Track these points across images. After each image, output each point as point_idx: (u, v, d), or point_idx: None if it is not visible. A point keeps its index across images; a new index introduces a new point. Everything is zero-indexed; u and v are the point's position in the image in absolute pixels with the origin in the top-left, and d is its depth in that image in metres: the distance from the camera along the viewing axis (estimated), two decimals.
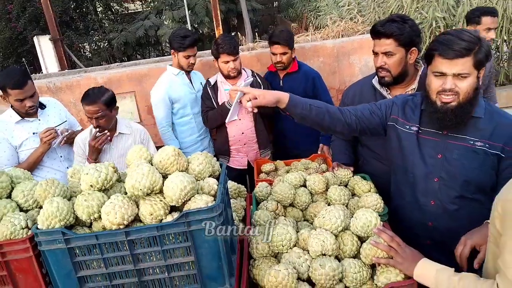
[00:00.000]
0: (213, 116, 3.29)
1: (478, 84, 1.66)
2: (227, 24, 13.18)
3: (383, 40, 2.12)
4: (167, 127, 3.43)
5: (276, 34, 3.27)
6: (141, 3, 15.64)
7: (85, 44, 14.29)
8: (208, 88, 3.32)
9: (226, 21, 13.03)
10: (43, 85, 4.03)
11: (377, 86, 2.30)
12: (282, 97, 1.82)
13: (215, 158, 1.75)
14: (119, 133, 2.83)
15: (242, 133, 3.35)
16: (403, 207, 1.98)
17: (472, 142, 1.72)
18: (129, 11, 15.55)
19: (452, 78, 1.63)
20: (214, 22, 6.94)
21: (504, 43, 4.30)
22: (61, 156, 2.93)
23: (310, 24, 7.45)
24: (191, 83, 3.50)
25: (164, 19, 11.50)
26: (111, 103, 2.70)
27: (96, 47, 14.22)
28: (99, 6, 14.65)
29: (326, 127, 1.94)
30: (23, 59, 10.73)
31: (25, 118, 2.79)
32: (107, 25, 14.30)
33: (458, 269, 1.48)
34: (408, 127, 1.88)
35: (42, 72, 6.62)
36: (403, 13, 4.04)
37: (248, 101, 1.79)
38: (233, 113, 3.16)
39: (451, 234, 1.75)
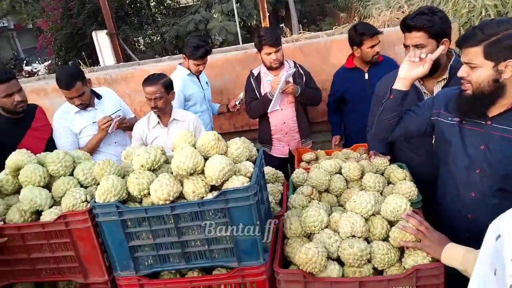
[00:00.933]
0: (256, 106, 3.42)
1: (499, 77, 1.60)
2: (275, 16, 13.24)
3: (413, 33, 2.13)
4: None
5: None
6: None
7: (139, 38, 14.92)
8: (252, 79, 3.45)
9: (274, 12, 13.09)
10: (100, 76, 4.35)
11: None
12: None
13: (252, 143, 1.87)
14: (173, 119, 3.03)
15: (284, 122, 3.45)
16: (445, 198, 1.99)
17: None
18: (180, 5, 16.00)
19: (465, 66, 1.66)
20: (261, 14, 7.06)
21: None
22: (115, 142, 3.18)
23: (357, 14, 7.35)
24: (199, 82, 3.64)
25: (214, 13, 11.77)
26: (168, 86, 2.93)
27: (149, 41, 14.79)
28: (152, 1, 15.21)
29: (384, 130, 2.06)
30: (83, 52, 11.41)
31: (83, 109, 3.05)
32: (159, 19, 14.82)
33: None
34: (450, 118, 1.87)
35: (99, 65, 7.06)
36: (451, 1, 3.94)
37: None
38: (275, 103, 3.29)
39: None
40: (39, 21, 14.99)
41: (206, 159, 1.67)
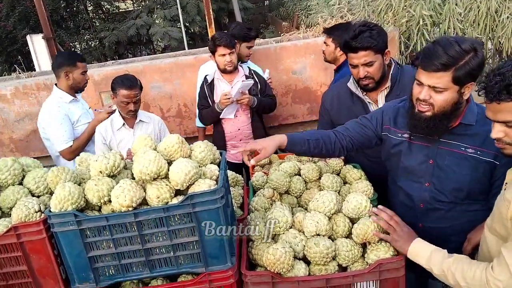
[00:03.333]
0: (207, 114, 3.39)
1: (461, 99, 1.64)
2: (218, 23, 13.24)
3: (360, 52, 2.17)
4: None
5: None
6: (132, 2, 15.64)
7: (75, 43, 14.26)
8: (205, 86, 3.40)
9: (217, 19, 13.09)
10: (40, 82, 4.10)
11: (353, 89, 2.37)
12: (282, 141, 1.88)
13: (215, 147, 1.85)
14: (139, 120, 2.96)
15: (239, 129, 3.45)
16: (395, 206, 2.01)
17: (463, 149, 1.73)
18: (120, 10, 15.52)
19: (427, 89, 1.64)
20: (207, 21, 7.02)
21: (489, 41, 4.45)
22: None
23: (302, 22, 7.56)
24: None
25: (156, 18, 11.53)
26: (142, 87, 2.89)
27: (87, 46, 14.18)
28: (90, 5, 14.61)
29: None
30: (18, 57, 10.70)
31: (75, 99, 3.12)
32: (98, 24, 14.26)
33: None
34: (400, 135, 1.90)
35: (35, 71, 6.65)
36: (391, 11, 4.17)
37: (250, 158, 1.84)
38: (227, 112, 3.26)
39: (441, 236, 1.82)
40: None
41: (169, 163, 1.63)
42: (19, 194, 1.62)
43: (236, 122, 3.42)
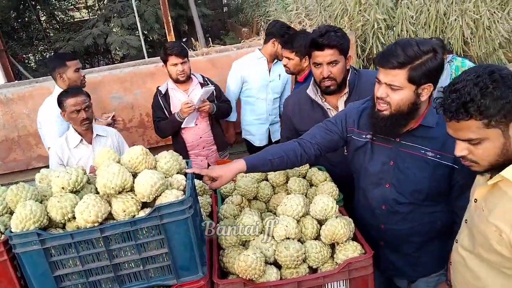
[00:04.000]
0: (165, 126, 3.32)
1: (417, 99, 1.65)
2: (177, 30, 13.15)
3: (326, 50, 2.17)
4: (233, 101, 3.69)
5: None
6: (87, 11, 15.27)
7: (29, 55, 13.77)
8: (159, 97, 3.33)
9: (176, 27, 12.99)
10: None
11: (312, 95, 2.38)
12: (240, 168, 1.80)
13: (181, 156, 1.84)
14: (96, 135, 2.86)
15: (200, 137, 3.44)
16: (358, 208, 2.07)
17: (423, 152, 1.74)
18: (75, 20, 15.11)
19: (385, 87, 1.65)
20: (166, 28, 6.98)
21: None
22: None
23: (261, 28, 7.64)
24: (269, 71, 3.61)
25: (113, 27, 11.32)
26: (89, 96, 2.80)
27: (41, 58, 13.72)
28: (42, 15, 14.15)
29: (292, 167, 2.02)
30: None
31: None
32: (52, 34, 13.82)
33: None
34: (363, 136, 1.91)
35: None
36: (347, 15, 4.31)
37: (208, 182, 1.81)
38: (188, 121, 3.25)
39: (403, 236, 1.89)
40: None
41: (134, 175, 1.60)
42: None
43: (197, 131, 3.41)
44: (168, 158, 1.70)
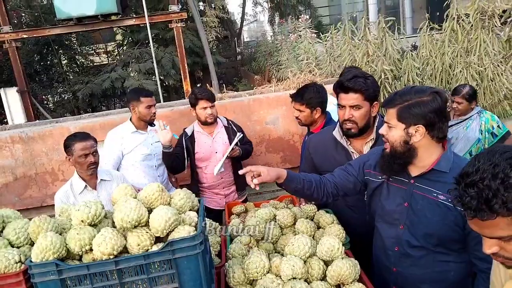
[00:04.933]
0: (177, 161, 3.43)
1: (409, 139, 1.75)
2: (192, 76, 13.62)
3: (351, 94, 2.25)
4: None
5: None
6: (107, 56, 15.94)
7: (48, 96, 14.27)
8: (184, 140, 3.49)
9: (191, 73, 13.47)
10: (15, 135, 4.10)
11: (338, 137, 2.43)
12: (281, 174, 1.97)
13: (194, 194, 1.93)
14: (101, 179, 2.90)
15: (221, 178, 3.56)
16: (374, 249, 2.10)
17: (435, 195, 1.75)
18: (95, 64, 15.77)
19: (385, 125, 1.81)
20: (182, 74, 7.30)
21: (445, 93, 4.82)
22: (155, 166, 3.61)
23: (273, 76, 7.92)
24: None
25: (130, 71, 11.77)
26: (96, 141, 2.85)
27: (60, 99, 14.21)
28: (64, 59, 14.81)
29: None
30: None
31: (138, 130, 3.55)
32: (71, 77, 14.39)
33: None
34: (379, 177, 1.97)
35: (7, 124, 6.62)
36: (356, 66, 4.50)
37: (253, 178, 1.92)
38: (221, 168, 3.38)
39: (414, 283, 1.88)
40: None
41: (149, 211, 1.69)
42: None
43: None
44: (182, 195, 1.79)
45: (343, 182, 2.08)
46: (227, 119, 3.67)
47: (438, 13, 5.62)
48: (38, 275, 1.52)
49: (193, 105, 3.45)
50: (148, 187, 1.75)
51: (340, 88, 2.31)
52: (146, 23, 6.99)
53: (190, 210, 1.82)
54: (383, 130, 1.82)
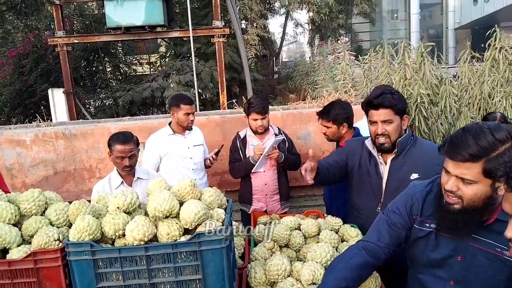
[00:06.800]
0: (239, 167, 3.64)
1: (494, 194, 1.46)
2: (229, 91, 13.91)
3: (381, 110, 2.28)
4: None
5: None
6: (149, 66, 16.56)
7: (90, 101, 14.94)
8: (238, 141, 3.70)
9: (228, 88, 13.76)
10: (59, 131, 4.34)
11: (370, 147, 2.47)
12: None
13: (222, 194, 2.01)
14: (137, 178, 3.02)
15: (265, 184, 3.66)
16: None
17: (499, 250, 1.51)
18: (137, 73, 16.41)
19: (455, 180, 1.48)
20: (220, 87, 7.50)
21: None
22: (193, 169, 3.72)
23: (308, 95, 7.99)
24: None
25: (170, 82, 12.18)
26: (138, 143, 3.00)
27: (101, 104, 14.84)
28: (108, 66, 15.50)
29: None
30: (42, 108, 11.23)
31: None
32: (114, 84, 15.02)
33: None
34: (427, 225, 1.70)
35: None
36: None
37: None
38: (258, 166, 3.49)
39: None
40: None
41: (181, 204, 1.77)
42: (41, 224, 1.75)
43: (263, 177, 3.65)
44: (212, 193, 1.88)
45: (393, 238, 1.78)
46: (279, 129, 3.80)
47: (482, 45, 5.56)
48: (74, 253, 1.63)
49: (247, 114, 3.61)
50: (181, 182, 1.84)
51: (369, 105, 2.34)
52: (190, 36, 7.26)
53: (219, 207, 1.89)
54: (452, 185, 1.49)
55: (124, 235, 1.67)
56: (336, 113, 3.13)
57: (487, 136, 1.41)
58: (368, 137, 2.53)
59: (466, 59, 4.65)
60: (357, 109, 4.02)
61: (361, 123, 3.46)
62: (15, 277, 1.65)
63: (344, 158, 2.62)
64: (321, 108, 3.36)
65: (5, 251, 1.70)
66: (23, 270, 1.65)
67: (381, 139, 2.34)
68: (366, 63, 6.16)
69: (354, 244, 1.87)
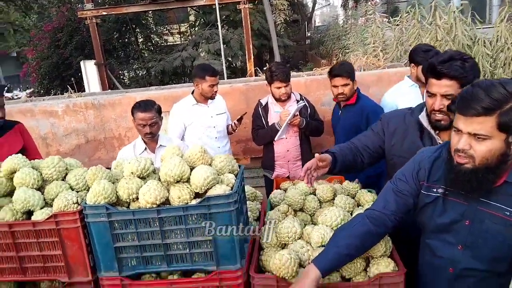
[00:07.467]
0: (263, 135, 3.66)
1: (508, 150, 1.41)
2: (259, 58, 13.77)
3: (444, 81, 1.88)
4: None
5: (336, 67, 3.35)
6: (180, 36, 16.59)
7: (124, 72, 15.24)
8: (260, 108, 3.70)
9: (258, 55, 13.62)
10: (88, 101, 4.50)
11: (425, 124, 2.07)
12: (316, 278, 1.60)
13: (235, 160, 2.04)
14: (160, 145, 3.09)
15: (288, 150, 3.68)
16: (422, 265, 1.83)
17: (508, 214, 1.48)
18: (168, 43, 16.49)
19: (467, 137, 1.42)
20: (247, 55, 7.44)
21: None
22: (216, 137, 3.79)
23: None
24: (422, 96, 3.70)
25: (200, 51, 12.19)
26: (160, 111, 3.03)
27: (134, 75, 15.11)
28: (140, 37, 15.66)
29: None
30: (70, 81, 11.58)
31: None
32: (146, 55, 15.21)
33: None
34: (434, 190, 1.66)
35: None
36: None
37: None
38: (282, 133, 3.51)
39: None
40: (26, 49, 15.16)
41: (191, 169, 1.82)
42: (61, 188, 1.85)
43: (285, 144, 3.66)
44: (222, 159, 1.91)
45: (400, 206, 1.74)
46: (301, 95, 3.77)
47: None
48: (91, 216, 1.72)
49: (269, 82, 3.57)
50: (192, 148, 1.88)
51: (432, 72, 1.92)
52: (215, 4, 7.18)
53: (229, 173, 1.93)
54: (464, 144, 1.43)
55: (137, 198, 1.75)
56: (350, 68, 3.23)
57: (499, 89, 1.37)
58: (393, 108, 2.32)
59: (504, 17, 4.37)
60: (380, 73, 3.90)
61: (391, 93, 3.39)
62: (39, 237, 1.78)
63: (377, 140, 2.27)
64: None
65: (30, 213, 1.82)
66: (46, 230, 1.76)
67: (438, 116, 1.97)
68: (397, 25, 5.92)
69: (360, 212, 1.85)
